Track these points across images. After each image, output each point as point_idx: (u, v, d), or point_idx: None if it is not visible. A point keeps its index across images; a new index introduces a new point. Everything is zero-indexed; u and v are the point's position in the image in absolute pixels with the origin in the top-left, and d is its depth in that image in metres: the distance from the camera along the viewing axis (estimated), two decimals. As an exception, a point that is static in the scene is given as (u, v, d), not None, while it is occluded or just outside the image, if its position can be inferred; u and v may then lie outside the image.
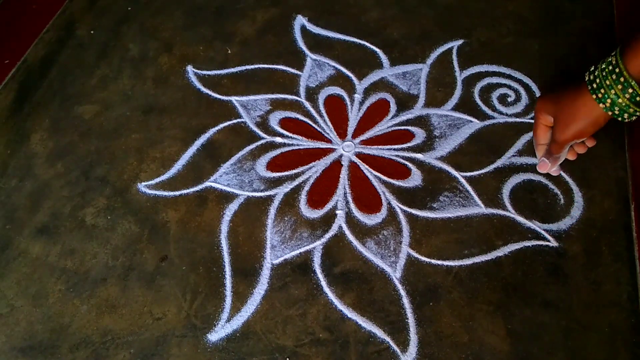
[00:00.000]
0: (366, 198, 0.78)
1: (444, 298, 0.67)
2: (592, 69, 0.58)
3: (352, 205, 0.78)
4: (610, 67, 0.54)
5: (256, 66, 0.99)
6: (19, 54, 1.07)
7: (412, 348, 0.64)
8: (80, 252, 0.78)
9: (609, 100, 0.55)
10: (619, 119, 0.57)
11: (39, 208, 0.83)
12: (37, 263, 0.77)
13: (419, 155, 0.82)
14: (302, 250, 0.74)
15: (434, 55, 0.96)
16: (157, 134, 0.91)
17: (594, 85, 0.56)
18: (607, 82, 0.54)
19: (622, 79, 0.53)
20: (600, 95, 0.55)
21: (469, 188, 0.77)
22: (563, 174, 0.77)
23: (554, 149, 0.66)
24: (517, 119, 0.85)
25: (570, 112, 0.59)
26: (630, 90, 0.53)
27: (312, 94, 0.93)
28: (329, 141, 0.86)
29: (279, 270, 0.72)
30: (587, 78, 0.58)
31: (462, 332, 0.65)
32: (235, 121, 0.91)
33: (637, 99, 0.53)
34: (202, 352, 0.66)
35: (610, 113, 0.56)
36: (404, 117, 0.88)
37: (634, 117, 0.56)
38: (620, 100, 0.54)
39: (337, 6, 1.07)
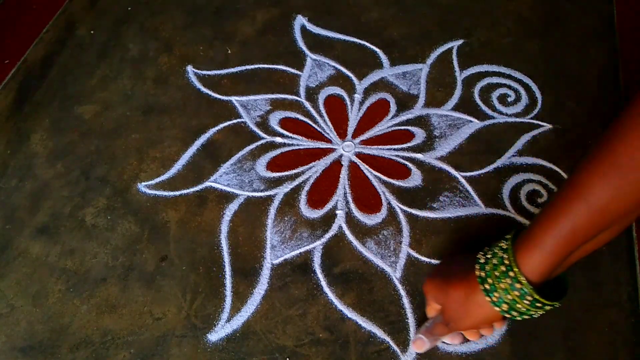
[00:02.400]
0: (366, 198, 0.78)
1: (444, 298, 0.67)
2: (483, 261, 0.50)
3: (352, 205, 0.78)
4: (503, 268, 0.47)
5: (256, 66, 0.99)
6: (19, 54, 1.07)
7: (412, 348, 0.64)
8: (80, 252, 0.78)
9: (505, 305, 0.47)
10: (518, 318, 0.49)
11: (39, 208, 0.83)
12: (37, 263, 0.77)
13: (419, 155, 0.82)
14: (302, 250, 0.74)
15: (434, 55, 0.96)
16: (157, 134, 0.91)
17: (487, 286, 0.48)
18: (502, 286, 0.47)
19: (518, 285, 0.46)
20: (495, 299, 0.48)
21: (469, 188, 0.77)
22: (563, 173, 0.77)
23: (440, 331, 0.58)
24: (517, 119, 0.85)
25: (461, 308, 0.51)
26: (529, 298, 0.46)
27: (312, 94, 0.93)
28: (329, 141, 0.86)
29: (279, 270, 0.72)
30: (477, 274, 0.50)
31: (462, 332, 0.65)
32: (235, 121, 0.91)
33: (537, 304, 0.47)
34: (202, 352, 0.66)
35: (508, 316, 0.49)
36: (404, 117, 0.88)
37: (536, 316, 0.49)
38: (518, 306, 0.47)
39: (337, 6, 1.07)
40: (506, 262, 0.47)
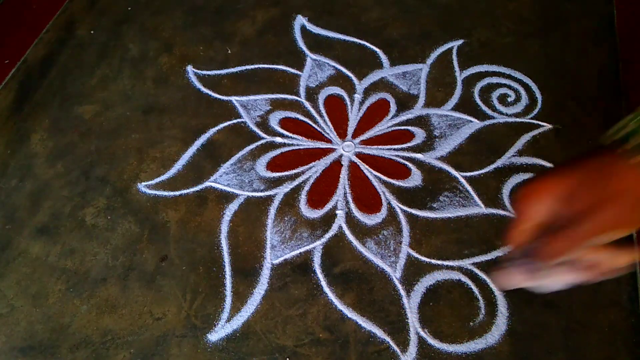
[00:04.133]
0: (366, 198, 0.78)
1: (444, 298, 0.67)
2: (623, 124, 0.33)
3: (352, 205, 0.78)
4: None
5: (256, 66, 0.99)
6: (19, 54, 1.07)
7: (412, 348, 0.64)
8: (80, 252, 0.78)
9: None
10: None
11: (39, 208, 0.83)
12: (37, 263, 0.77)
13: (419, 155, 0.82)
14: (302, 250, 0.74)
15: (434, 55, 0.96)
16: (157, 134, 0.91)
17: None
18: None
19: None
20: None
21: (469, 188, 0.77)
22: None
23: (557, 250, 0.33)
24: (517, 119, 0.85)
25: (599, 190, 0.32)
26: None
27: (312, 94, 0.93)
28: (329, 141, 0.86)
29: (279, 270, 0.72)
30: (620, 134, 0.33)
31: (462, 332, 0.65)
32: (235, 121, 0.91)
33: None
34: (202, 352, 0.66)
35: None
36: (404, 117, 0.88)
37: None
38: None
39: (337, 6, 1.07)
40: None
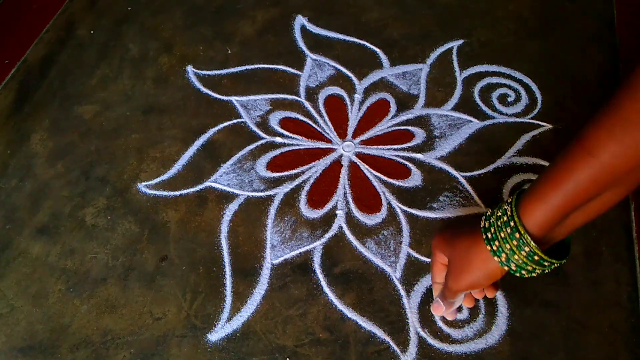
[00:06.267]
0: (366, 198, 0.78)
1: (444, 298, 0.67)
2: (488, 213, 0.51)
3: (352, 205, 0.78)
4: (505, 218, 0.47)
5: (256, 66, 0.99)
6: (19, 54, 1.07)
7: (412, 348, 0.64)
8: (80, 252, 0.78)
9: (503, 255, 0.48)
10: (517, 274, 0.49)
11: (39, 208, 0.83)
12: (37, 263, 0.77)
13: (419, 155, 0.82)
14: (302, 250, 0.74)
15: (434, 55, 0.96)
16: (157, 134, 0.91)
17: (489, 235, 0.49)
18: (502, 235, 0.47)
19: (517, 235, 0.46)
20: (495, 248, 0.48)
21: (469, 188, 0.78)
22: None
23: (447, 294, 0.57)
24: (517, 119, 0.85)
25: (464, 260, 0.52)
26: (527, 249, 0.46)
27: (312, 94, 0.93)
28: (329, 141, 0.86)
29: (279, 270, 0.72)
30: (482, 224, 0.51)
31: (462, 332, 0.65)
32: (235, 121, 0.91)
33: (535, 257, 0.47)
34: (202, 352, 0.66)
35: (506, 268, 0.49)
36: (404, 117, 0.88)
37: (534, 274, 0.49)
38: (516, 257, 0.47)
39: (337, 6, 1.07)
40: (509, 213, 0.47)
